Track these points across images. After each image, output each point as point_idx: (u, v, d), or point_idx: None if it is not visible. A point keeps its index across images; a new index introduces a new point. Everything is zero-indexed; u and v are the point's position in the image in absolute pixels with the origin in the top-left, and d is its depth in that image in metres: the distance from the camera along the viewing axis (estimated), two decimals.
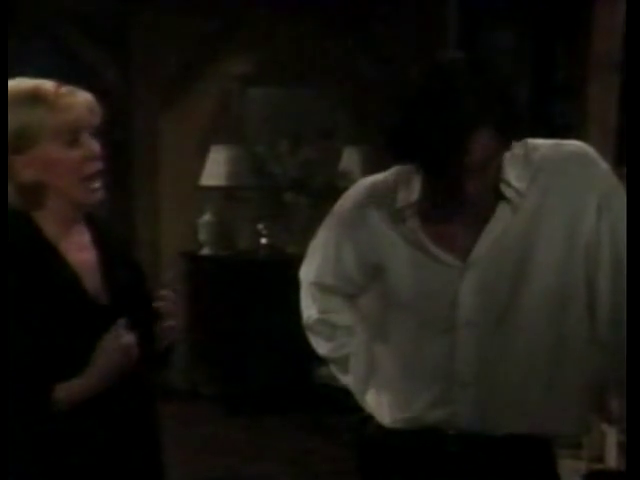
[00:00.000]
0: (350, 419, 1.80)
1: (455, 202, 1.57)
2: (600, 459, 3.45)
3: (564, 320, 1.62)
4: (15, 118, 1.60)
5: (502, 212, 1.59)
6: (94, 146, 1.64)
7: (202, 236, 5.17)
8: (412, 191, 1.61)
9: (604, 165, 1.62)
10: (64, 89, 1.63)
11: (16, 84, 1.64)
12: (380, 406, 1.71)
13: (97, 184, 1.65)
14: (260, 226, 5.19)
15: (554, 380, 1.63)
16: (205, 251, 5.17)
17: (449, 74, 1.50)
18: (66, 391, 1.60)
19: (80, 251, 1.68)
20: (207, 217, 5.16)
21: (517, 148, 1.59)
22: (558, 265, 1.59)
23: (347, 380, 1.80)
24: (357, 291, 1.75)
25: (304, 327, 1.84)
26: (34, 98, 1.61)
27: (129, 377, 1.65)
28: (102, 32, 5.07)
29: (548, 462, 1.71)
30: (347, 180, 4.47)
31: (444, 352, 1.63)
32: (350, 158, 4.99)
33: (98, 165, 1.65)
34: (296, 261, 1.89)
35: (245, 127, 5.30)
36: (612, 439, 3.40)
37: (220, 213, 5.19)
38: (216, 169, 5.06)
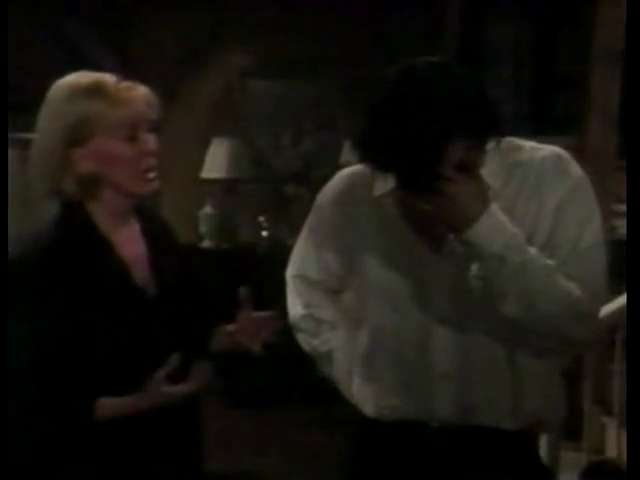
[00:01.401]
0: (347, 410, 1.80)
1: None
2: (600, 451, 3.47)
3: None
4: (75, 110, 1.61)
5: None
6: (151, 142, 1.66)
7: (203, 229, 5.16)
8: (389, 178, 1.58)
9: (577, 171, 1.60)
10: (124, 84, 1.64)
11: (77, 77, 1.66)
12: (364, 397, 1.72)
13: (152, 175, 1.67)
14: (261, 219, 5.18)
15: (526, 371, 1.63)
16: (206, 244, 5.16)
17: (423, 83, 1.45)
18: (109, 408, 1.61)
19: (130, 243, 1.70)
20: (208, 210, 5.15)
21: (496, 144, 1.57)
22: None
23: (332, 375, 1.81)
24: (339, 285, 1.76)
25: (291, 326, 1.85)
26: (95, 91, 1.62)
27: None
28: (102, 24, 5.07)
29: (530, 452, 1.72)
30: None
31: (421, 343, 1.64)
32: (351, 150, 4.97)
33: (153, 161, 1.66)
34: (292, 253, 1.87)
35: (246, 120, 5.29)
36: (612, 431, 3.41)
37: (221, 206, 5.18)
38: (217, 162, 5.05)
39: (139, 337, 1.64)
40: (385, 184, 1.60)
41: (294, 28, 5.13)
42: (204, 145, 5.10)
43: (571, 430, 3.21)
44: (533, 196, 1.59)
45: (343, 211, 1.71)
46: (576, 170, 1.61)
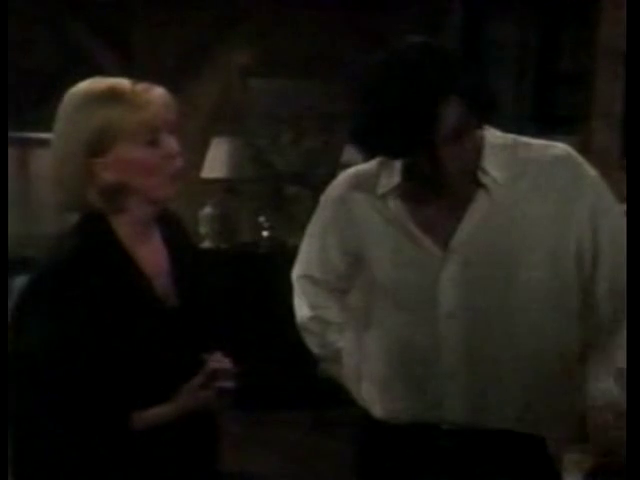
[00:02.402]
0: (352, 413, 1.80)
1: (435, 184, 1.57)
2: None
3: (544, 312, 1.62)
4: (94, 119, 1.55)
5: (480, 199, 1.58)
6: (173, 144, 1.59)
7: (203, 229, 5.12)
8: (393, 175, 1.61)
9: (591, 171, 1.62)
10: (140, 86, 1.58)
11: (91, 84, 1.60)
12: (373, 399, 1.71)
13: (178, 178, 1.62)
14: (261, 219, 5.16)
15: (535, 372, 1.63)
16: (206, 244, 5.12)
17: (409, 51, 1.51)
18: (145, 419, 1.59)
19: (153, 254, 1.65)
20: (208, 210, 5.12)
21: (503, 139, 1.60)
22: (546, 267, 1.60)
23: (340, 376, 1.81)
24: (344, 284, 1.76)
25: (298, 328, 1.84)
26: (111, 97, 1.56)
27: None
28: (102, 23, 5.03)
29: (541, 455, 1.71)
30: None
31: (430, 342, 1.64)
32: (352, 149, 4.82)
33: (179, 163, 1.60)
34: (298, 254, 1.87)
35: (246, 119, 5.26)
36: None
37: (221, 206, 5.15)
38: (217, 161, 5.02)
39: (162, 349, 1.61)
40: (390, 180, 1.61)
41: (295, 26, 5.11)
42: (204, 145, 5.06)
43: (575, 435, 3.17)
44: (549, 200, 1.59)
45: (348, 210, 1.70)
46: (590, 172, 1.63)
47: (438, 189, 1.58)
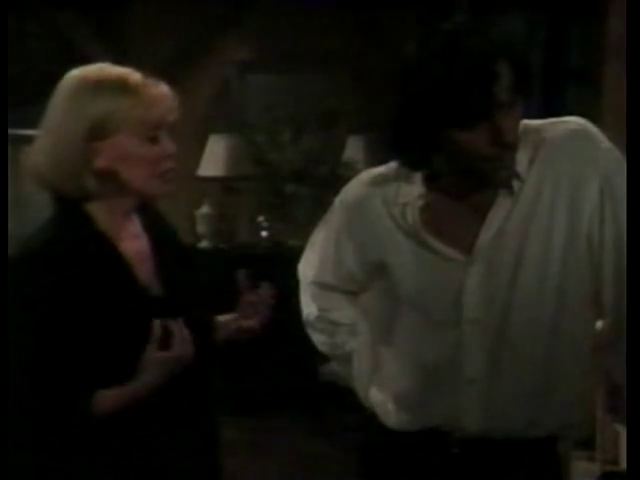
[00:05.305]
0: (353, 418, 1.80)
1: (463, 192, 1.55)
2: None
3: (564, 312, 1.58)
4: (99, 105, 1.57)
5: (503, 200, 1.55)
6: (170, 144, 1.63)
7: (200, 229, 5.09)
8: (414, 186, 1.59)
9: (605, 143, 1.57)
10: (150, 81, 1.61)
11: (101, 69, 1.62)
12: (384, 405, 1.69)
13: (169, 176, 1.63)
14: (260, 218, 5.13)
15: (555, 376, 1.61)
16: (203, 244, 5.09)
17: (455, 27, 1.49)
18: (108, 399, 1.58)
19: (133, 240, 1.67)
20: (205, 209, 5.09)
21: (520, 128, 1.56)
22: (559, 252, 1.55)
23: (349, 377, 1.79)
24: (358, 289, 1.74)
25: (304, 324, 1.82)
26: (121, 87, 1.58)
27: (182, 375, 1.62)
28: (98, 16, 5.00)
29: (552, 465, 1.68)
30: (351, 170, 4.45)
31: (450, 349, 1.61)
32: (354, 147, 4.93)
33: (171, 163, 1.64)
34: (298, 254, 1.85)
35: (245, 115, 5.23)
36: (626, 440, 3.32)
37: (219, 205, 5.12)
38: (215, 159, 4.99)
39: (145, 337, 1.59)
40: (411, 190, 1.59)
41: (294, 20, 5.07)
42: (201, 142, 5.02)
43: (584, 439, 3.14)
44: (566, 173, 1.55)
45: (365, 216, 1.67)
46: (603, 144, 1.57)
47: (463, 199, 1.56)
